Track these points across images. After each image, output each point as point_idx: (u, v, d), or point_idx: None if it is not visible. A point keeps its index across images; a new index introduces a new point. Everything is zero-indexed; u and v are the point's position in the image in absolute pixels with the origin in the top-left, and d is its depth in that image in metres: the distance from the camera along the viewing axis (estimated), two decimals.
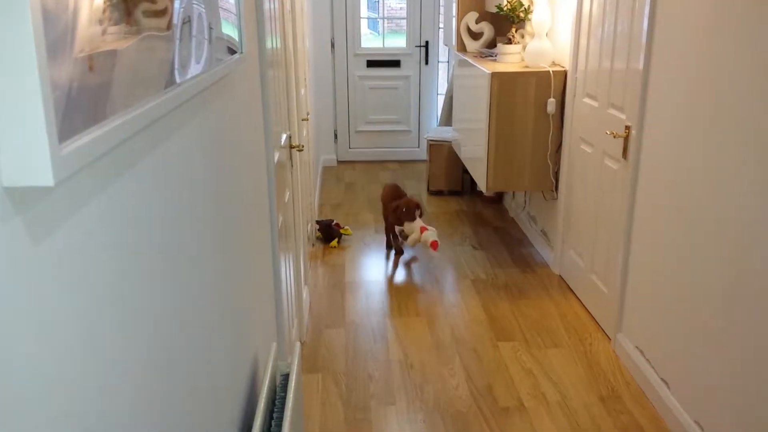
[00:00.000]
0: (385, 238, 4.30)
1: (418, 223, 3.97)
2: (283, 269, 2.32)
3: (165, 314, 0.87)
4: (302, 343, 3.01)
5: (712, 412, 2.17)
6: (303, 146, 2.73)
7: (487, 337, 3.09)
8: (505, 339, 3.06)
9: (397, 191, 4.25)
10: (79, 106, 0.60)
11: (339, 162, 6.35)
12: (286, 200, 2.57)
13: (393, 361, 2.88)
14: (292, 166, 2.77)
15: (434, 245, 3.88)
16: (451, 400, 2.59)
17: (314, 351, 2.96)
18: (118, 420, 0.70)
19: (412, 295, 3.53)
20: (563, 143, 3.66)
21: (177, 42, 0.93)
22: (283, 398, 1.50)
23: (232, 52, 1.36)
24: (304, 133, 3.56)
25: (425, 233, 3.91)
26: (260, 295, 1.82)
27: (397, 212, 3.96)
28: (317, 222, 4.29)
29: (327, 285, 3.66)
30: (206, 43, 1.11)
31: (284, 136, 2.52)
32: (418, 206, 4.00)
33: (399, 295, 3.52)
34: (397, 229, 4.15)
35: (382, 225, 4.63)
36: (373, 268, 3.89)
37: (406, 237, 4.06)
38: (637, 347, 2.75)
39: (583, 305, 3.39)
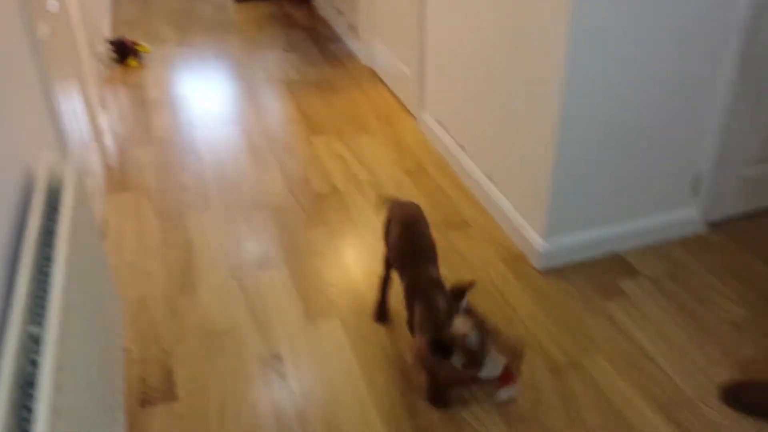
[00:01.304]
0: None
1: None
2: (59, 84, 2.12)
3: None
4: (108, 167, 2.87)
5: (499, 166, 2.40)
6: None
7: (301, 133, 3.11)
8: (318, 133, 3.11)
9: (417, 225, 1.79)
10: None
11: None
12: (51, 9, 2.28)
13: (206, 170, 2.84)
14: None
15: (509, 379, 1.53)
16: (267, 196, 2.64)
17: (123, 172, 2.84)
18: None
19: (224, 106, 3.42)
20: None
21: None
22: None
23: None
24: None
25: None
26: (26, 106, 1.66)
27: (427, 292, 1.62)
28: (109, 42, 3.90)
29: (130, 105, 3.43)
30: None
31: None
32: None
33: (209, 107, 3.39)
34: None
35: (185, 38, 4.33)
36: (178, 84, 3.68)
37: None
38: (437, 121, 2.91)
39: (391, 92, 3.48)
